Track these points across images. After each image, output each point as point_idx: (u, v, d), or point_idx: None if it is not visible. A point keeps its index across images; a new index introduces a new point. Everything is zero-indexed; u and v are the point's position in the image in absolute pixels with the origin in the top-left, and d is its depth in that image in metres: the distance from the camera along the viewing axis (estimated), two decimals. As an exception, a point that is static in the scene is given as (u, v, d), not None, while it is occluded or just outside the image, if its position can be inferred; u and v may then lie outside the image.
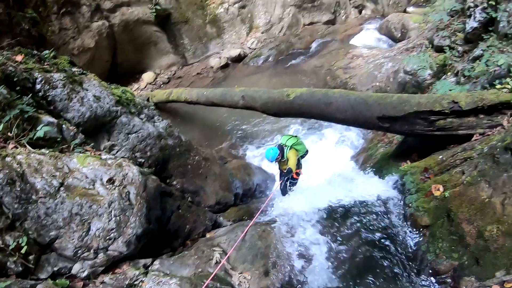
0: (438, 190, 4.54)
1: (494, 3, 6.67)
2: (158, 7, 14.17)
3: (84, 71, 5.55)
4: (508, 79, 4.91)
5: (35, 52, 5.30)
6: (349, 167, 8.68)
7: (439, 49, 8.89)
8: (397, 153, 6.98)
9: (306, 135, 10.92)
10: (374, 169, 6.97)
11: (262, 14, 17.45)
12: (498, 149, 4.04)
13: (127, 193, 4.12)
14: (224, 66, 16.24)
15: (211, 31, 16.53)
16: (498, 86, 5.00)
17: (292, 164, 6.89)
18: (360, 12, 20.24)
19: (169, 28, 15.24)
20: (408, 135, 6.35)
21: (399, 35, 15.18)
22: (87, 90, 5.20)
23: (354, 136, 10.67)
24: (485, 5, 6.97)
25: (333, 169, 7.73)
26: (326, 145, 10.51)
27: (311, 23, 18.71)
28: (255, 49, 16.88)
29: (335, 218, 5.12)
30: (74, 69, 5.49)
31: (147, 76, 15.42)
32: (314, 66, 14.95)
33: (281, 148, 6.98)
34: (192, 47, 16.20)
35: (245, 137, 11.98)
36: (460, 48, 7.90)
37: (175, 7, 15.06)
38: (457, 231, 3.97)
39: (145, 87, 15.14)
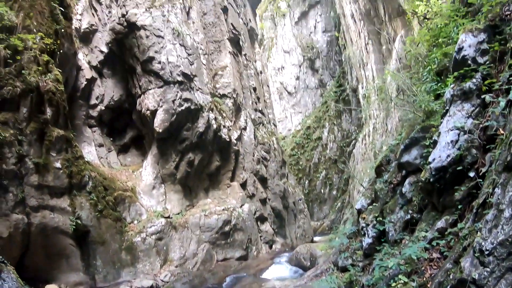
0: None
1: (381, 219, 7.92)
2: (79, 222, 13.99)
3: (4, 260, 5.36)
4: (400, 276, 5.49)
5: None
6: None
7: (344, 269, 9.59)
8: None
9: None
10: None
11: (177, 248, 17.77)
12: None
13: None
14: (135, 297, 15.19)
15: (126, 258, 16.08)
16: (393, 284, 5.52)
17: None
18: (270, 247, 21.54)
19: (85, 245, 14.65)
20: None
21: (308, 264, 16.10)
22: (4, 280, 5.09)
23: None
24: (374, 222, 8.19)
25: None
26: None
27: (224, 259, 19.20)
28: (168, 282, 16.36)
29: None
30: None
31: (51, 290, 13.77)
32: (229, 304, 14.65)
33: None
34: (104, 270, 15.26)
35: None
36: (360, 264, 8.67)
37: (95, 226, 14.90)
38: None
39: (46, 296, 13.27)
